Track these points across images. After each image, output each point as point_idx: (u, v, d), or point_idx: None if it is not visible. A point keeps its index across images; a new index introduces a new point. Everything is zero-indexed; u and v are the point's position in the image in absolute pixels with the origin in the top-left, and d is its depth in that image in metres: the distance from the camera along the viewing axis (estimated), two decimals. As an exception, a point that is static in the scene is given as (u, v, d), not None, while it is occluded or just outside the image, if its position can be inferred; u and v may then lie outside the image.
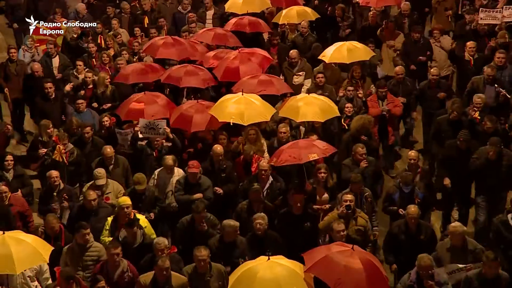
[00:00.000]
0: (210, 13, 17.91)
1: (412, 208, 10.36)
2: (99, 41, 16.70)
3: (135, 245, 10.06)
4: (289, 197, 10.99)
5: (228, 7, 17.28)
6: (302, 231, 10.61)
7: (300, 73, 15.09)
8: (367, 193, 11.13)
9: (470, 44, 15.08)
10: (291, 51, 15.39)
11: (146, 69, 14.35)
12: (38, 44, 16.35)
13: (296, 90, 14.38)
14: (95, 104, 14.25)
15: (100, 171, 11.59)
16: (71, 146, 12.46)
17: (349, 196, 10.54)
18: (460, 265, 9.70)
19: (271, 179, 11.50)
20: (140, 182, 11.41)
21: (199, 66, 14.16)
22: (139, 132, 12.64)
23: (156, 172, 11.97)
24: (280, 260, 8.90)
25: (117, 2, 18.97)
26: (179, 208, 11.52)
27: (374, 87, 14.24)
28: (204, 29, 15.92)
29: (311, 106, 12.34)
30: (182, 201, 11.42)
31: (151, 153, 12.57)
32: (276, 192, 11.44)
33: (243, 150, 12.19)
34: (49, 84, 14.22)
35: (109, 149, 12.16)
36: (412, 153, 11.93)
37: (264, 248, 9.81)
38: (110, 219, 10.65)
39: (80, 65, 15.22)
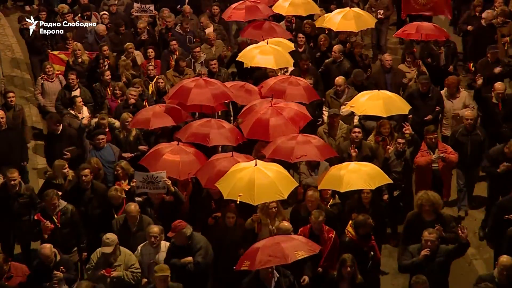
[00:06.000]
0: (209, 30, 16.55)
1: None
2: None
3: None
4: None
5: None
6: None
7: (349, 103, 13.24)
8: None
9: (498, 85, 13.26)
10: (337, 78, 13.80)
11: (167, 112, 12.57)
12: (59, 72, 14.95)
13: (343, 120, 13.14)
14: None
15: (110, 236, 9.86)
16: (63, 204, 10.66)
17: None
18: None
19: (277, 275, 9.23)
20: None
21: (222, 120, 12.43)
22: (136, 188, 11.00)
23: (139, 248, 10.07)
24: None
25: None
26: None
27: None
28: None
29: (356, 174, 10.54)
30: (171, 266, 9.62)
31: (151, 213, 10.83)
32: None
33: (261, 230, 10.33)
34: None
35: (133, 207, 10.41)
36: (504, 259, 9.22)
37: None
38: None
39: (79, 102, 13.55)
